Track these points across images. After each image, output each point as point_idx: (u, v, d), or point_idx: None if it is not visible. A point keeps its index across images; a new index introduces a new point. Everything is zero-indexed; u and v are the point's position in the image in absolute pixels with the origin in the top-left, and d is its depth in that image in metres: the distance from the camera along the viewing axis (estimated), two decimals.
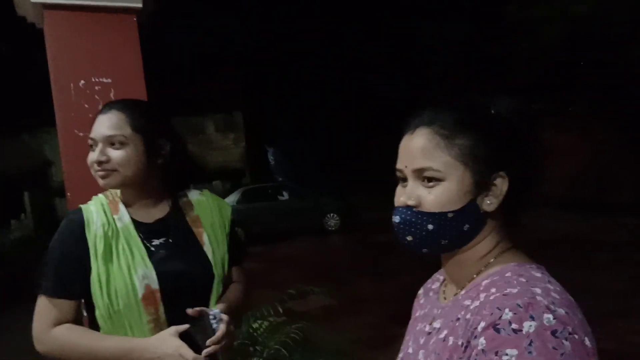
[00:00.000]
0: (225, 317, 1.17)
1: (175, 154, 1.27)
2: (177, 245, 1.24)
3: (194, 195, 1.36)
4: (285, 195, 11.26)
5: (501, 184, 0.72)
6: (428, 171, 0.72)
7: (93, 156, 1.17)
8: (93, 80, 1.95)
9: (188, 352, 1.07)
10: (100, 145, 1.17)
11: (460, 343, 0.67)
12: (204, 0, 17.84)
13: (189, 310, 1.14)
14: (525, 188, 0.74)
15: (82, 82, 1.93)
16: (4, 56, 16.89)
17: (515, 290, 0.65)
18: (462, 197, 0.71)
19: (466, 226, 0.72)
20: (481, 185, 0.72)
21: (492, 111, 0.76)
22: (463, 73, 13.24)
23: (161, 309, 1.16)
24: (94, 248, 1.17)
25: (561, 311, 0.62)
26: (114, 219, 1.21)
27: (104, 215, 1.21)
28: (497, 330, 0.61)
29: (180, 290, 1.19)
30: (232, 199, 10.53)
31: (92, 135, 1.19)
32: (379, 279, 6.36)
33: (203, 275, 1.24)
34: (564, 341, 0.59)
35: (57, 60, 1.99)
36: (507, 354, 0.59)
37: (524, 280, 0.68)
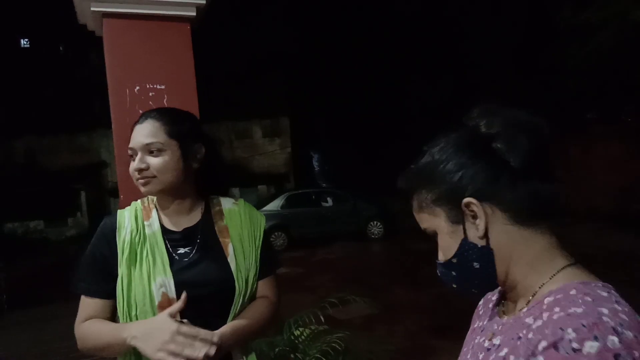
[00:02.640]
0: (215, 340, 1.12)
1: (211, 158, 1.30)
2: (201, 255, 1.23)
3: (226, 204, 1.34)
4: (329, 202, 11.27)
5: (474, 207, 0.73)
6: (427, 231, 0.80)
7: (133, 165, 1.21)
8: (147, 86, 2.01)
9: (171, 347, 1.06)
10: (139, 154, 1.20)
11: None
12: (252, 8, 18.21)
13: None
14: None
15: (137, 87, 2.00)
16: (63, 58, 17.85)
17: (580, 310, 0.62)
18: (454, 241, 0.75)
19: (475, 263, 0.75)
20: (458, 220, 0.75)
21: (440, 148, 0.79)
22: (512, 79, 12.85)
23: (177, 317, 1.15)
24: (121, 252, 1.20)
25: (629, 334, 0.59)
26: (143, 226, 1.24)
27: (134, 221, 1.24)
28: (557, 349, 0.59)
29: (197, 300, 1.18)
30: (276, 203, 10.64)
31: (131, 145, 1.23)
32: (417, 287, 6.24)
33: (223, 286, 1.21)
34: None
35: (114, 66, 2.07)
36: None
37: (589, 299, 0.64)
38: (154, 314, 1.15)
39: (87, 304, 1.21)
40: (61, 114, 16.45)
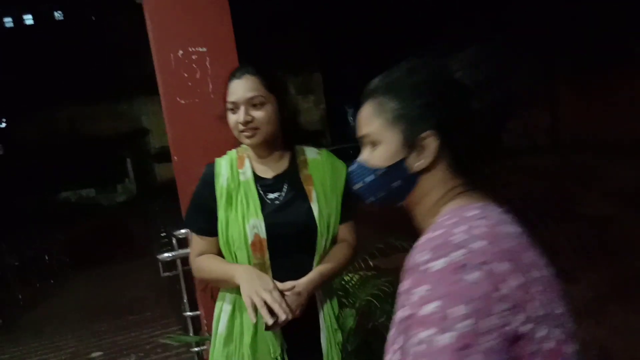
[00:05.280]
0: (294, 292, 1.26)
1: (296, 110, 1.44)
2: (288, 200, 1.35)
3: (311, 153, 1.44)
4: None
5: (430, 143, 0.75)
6: (367, 137, 0.81)
7: (238, 117, 1.29)
8: (190, 50, 2.08)
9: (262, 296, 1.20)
10: (242, 107, 1.28)
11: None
12: None
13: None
14: (461, 144, 0.76)
15: (181, 52, 2.07)
16: (97, 28, 18.11)
17: (436, 233, 0.67)
18: (392, 157, 0.77)
19: (396, 183, 0.79)
20: (410, 145, 0.76)
21: (420, 73, 0.78)
22: (554, 11, 12.16)
23: (266, 255, 1.31)
24: (220, 197, 1.35)
25: (476, 244, 0.63)
26: (238, 173, 1.37)
27: (229, 169, 1.38)
28: (412, 273, 0.64)
29: (285, 240, 1.32)
30: None
31: (232, 99, 1.30)
32: None
33: (307, 229, 1.33)
34: (472, 272, 0.60)
35: (157, 33, 2.14)
36: (415, 292, 0.61)
37: (451, 221, 0.69)
38: (248, 251, 1.31)
39: (197, 241, 1.40)
40: (100, 82, 16.83)
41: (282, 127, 1.36)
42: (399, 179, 0.78)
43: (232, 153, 1.44)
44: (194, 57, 2.10)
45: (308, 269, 1.34)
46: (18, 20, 19.83)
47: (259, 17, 17.17)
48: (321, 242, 1.35)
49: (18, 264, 6.78)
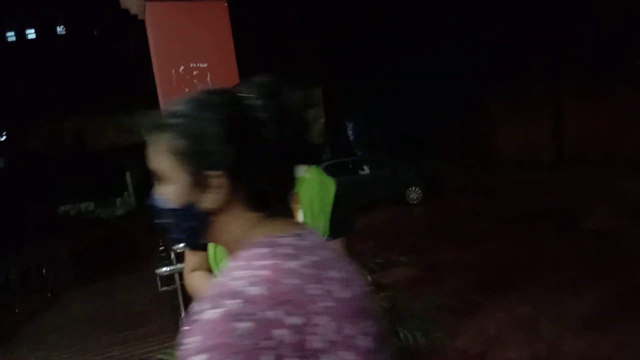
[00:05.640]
0: None
1: None
2: None
3: (299, 172, 1.44)
4: (366, 169, 11.29)
5: (220, 183, 0.70)
6: (157, 173, 0.75)
7: None
8: (191, 65, 2.10)
9: None
10: None
11: None
12: None
13: None
14: (256, 179, 0.72)
15: (182, 67, 2.09)
16: (99, 42, 18.27)
17: (220, 280, 0.65)
18: (183, 197, 0.72)
19: (190, 223, 0.74)
20: (199, 185, 0.71)
21: (204, 106, 0.72)
22: (558, 26, 12.28)
23: None
24: None
25: (255, 290, 0.61)
26: None
27: None
28: (192, 321, 0.61)
29: None
30: None
31: None
32: (459, 247, 6.26)
33: None
34: (243, 323, 0.58)
35: (159, 48, 2.17)
36: (189, 341, 0.58)
37: (238, 263, 0.67)
38: None
39: (190, 257, 1.45)
40: (103, 96, 16.95)
41: None
42: (192, 220, 0.74)
43: None
44: (195, 72, 2.13)
45: None
46: (21, 35, 20.04)
47: (259, 33, 17.34)
48: None
49: (16, 277, 6.76)
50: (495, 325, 3.74)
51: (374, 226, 8.95)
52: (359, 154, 20.59)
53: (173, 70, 2.12)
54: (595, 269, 4.72)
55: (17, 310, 6.13)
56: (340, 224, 1.44)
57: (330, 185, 1.44)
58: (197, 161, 0.70)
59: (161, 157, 0.74)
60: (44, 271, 7.35)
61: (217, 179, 0.70)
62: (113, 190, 17.75)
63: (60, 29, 20.51)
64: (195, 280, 1.40)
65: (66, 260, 8.07)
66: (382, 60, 20.88)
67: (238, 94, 0.74)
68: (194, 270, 1.42)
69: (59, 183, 16.34)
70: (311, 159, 1.50)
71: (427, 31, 17.51)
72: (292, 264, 0.67)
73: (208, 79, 2.13)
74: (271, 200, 0.75)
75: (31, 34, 20.45)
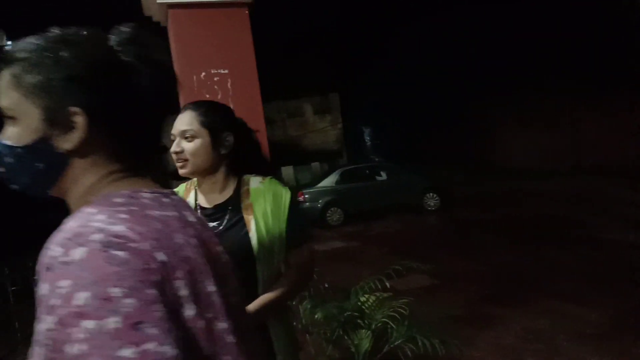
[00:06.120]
0: None
1: (239, 145, 1.44)
2: (226, 229, 1.37)
3: (254, 183, 1.45)
4: (383, 175, 11.24)
5: (78, 120, 0.65)
6: (5, 111, 0.67)
7: (172, 148, 1.39)
8: (212, 72, 2.13)
9: None
10: (177, 139, 1.38)
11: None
12: None
13: None
14: (119, 124, 0.68)
15: (203, 74, 2.12)
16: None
17: (72, 223, 0.59)
18: (32, 133, 0.65)
19: (39, 164, 0.67)
20: (53, 122, 0.65)
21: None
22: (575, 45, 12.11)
23: None
24: None
25: (117, 227, 0.58)
26: None
27: None
28: (50, 269, 0.55)
29: None
30: (331, 179, 10.76)
31: (172, 131, 1.42)
32: (475, 257, 6.19)
33: (245, 258, 1.33)
34: (117, 253, 0.55)
35: (181, 54, 2.21)
36: (60, 286, 0.53)
37: (91, 209, 0.62)
38: None
39: None
40: None
41: (224, 160, 1.41)
42: (42, 161, 0.67)
43: (183, 185, 1.52)
44: (215, 78, 2.16)
45: (252, 298, 1.32)
46: None
47: (278, 39, 17.47)
48: (262, 271, 1.35)
49: (24, 283, 6.85)
50: (512, 338, 3.69)
51: (391, 232, 8.91)
52: (376, 159, 20.55)
53: (194, 76, 2.15)
54: (612, 283, 4.63)
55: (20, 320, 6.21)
56: (300, 232, 1.44)
57: (284, 195, 1.44)
58: (51, 96, 0.65)
59: (10, 92, 0.66)
60: None
61: (74, 116, 0.65)
62: None
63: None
64: None
65: None
66: (399, 69, 20.86)
67: (102, 36, 0.70)
68: None
69: None
70: (264, 170, 1.50)
71: (445, 42, 17.46)
72: (153, 212, 0.65)
73: (229, 84, 2.16)
74: (133, 154, 0.72)
75: None
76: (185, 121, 1.38)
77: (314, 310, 2.62)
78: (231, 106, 2.22)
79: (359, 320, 2.42)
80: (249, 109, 2.17)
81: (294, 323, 2.58)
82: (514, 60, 14.22)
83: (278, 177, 1.50)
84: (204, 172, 1.40)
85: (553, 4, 12.51)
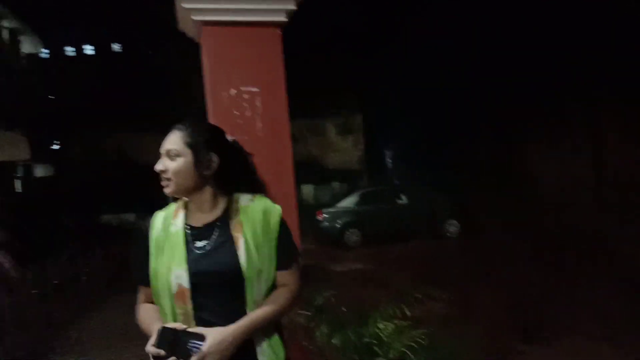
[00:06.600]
0: (204, 345, 1.25)
1: (225, 167, 1.44)
2: (215, 248, 1.38)
3: (244, 201, 1.45)
4: (404, 199, 11.16)
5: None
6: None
7: (155, 166, 1.42)
8: (243, 89, 2.15)
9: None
10: (163, 158, 1.40)
11: None
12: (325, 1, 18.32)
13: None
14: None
15: (234, 91, 2.14)
16: (152, 62, 19.05)
17: None
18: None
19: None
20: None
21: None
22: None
23: (189, 305, 1.34)
24: (152, 249, 1.42)
25: None
26: (170, 224, 1.44)
27: (162, 222, 1.46)
28: None
29: (211, 288, 1.34)
30: (351, 200, 10.72)
31: (160, 150, 1.44)
32: (496, 288, 6.03)
33: (233, 277, 1.34)
34: None
35: (213, 71, 2.23)
36: None
37: None
38: (171, 301, 1.36)
39: (141, 291, 1.48)
40: (149, 114, 17.59)
41: (211, 179, 1.41)
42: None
43: (174, 204, 1.51)
44: (245, 96, 2.17)
45: (241, 316, 1.33)
46: (79, 50, 21.17)
47: (302, 58, 17.64)
48: (251, 289, 1.35)
49: (56, 283, 6.93)
50: None
51: (410, 256, 8.79)
52: (397, 182, 20.45)
53: (225, 93, 2.17)
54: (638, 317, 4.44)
55: (52, 316, 6.27)
56: (289, 253, 1.44)
57: (274, 213, 1.44)
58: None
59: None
60: (84, 278, 7.53)
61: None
62: (155, 203, 18.20)
63: (117, 47, 21.57)
64: (140, 314, 1.44)
65: (104, 270, 8.24)
66: (424, 93, 20.84)
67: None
68: (143, 302, 1.46)
69: (103, 194, 16.92)
70: (256, 190, 1.49)
71: (466, 62, 17.40)
72: None
73: (258, 102, 2.16)
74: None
75: (89, 50, 21.59)
76: (171, 140, 1.40)
77: (332, 334, 2.57)
78: (259, 124, 2.23)
79: (376, 348, 2.36)
80: (277, 127, 2.17)
81: (304, 344, 2.53)
82: (536, 80, 14.00)
83: (268, 196, 1.50)
84: (188, 192, 1.41)
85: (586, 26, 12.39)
